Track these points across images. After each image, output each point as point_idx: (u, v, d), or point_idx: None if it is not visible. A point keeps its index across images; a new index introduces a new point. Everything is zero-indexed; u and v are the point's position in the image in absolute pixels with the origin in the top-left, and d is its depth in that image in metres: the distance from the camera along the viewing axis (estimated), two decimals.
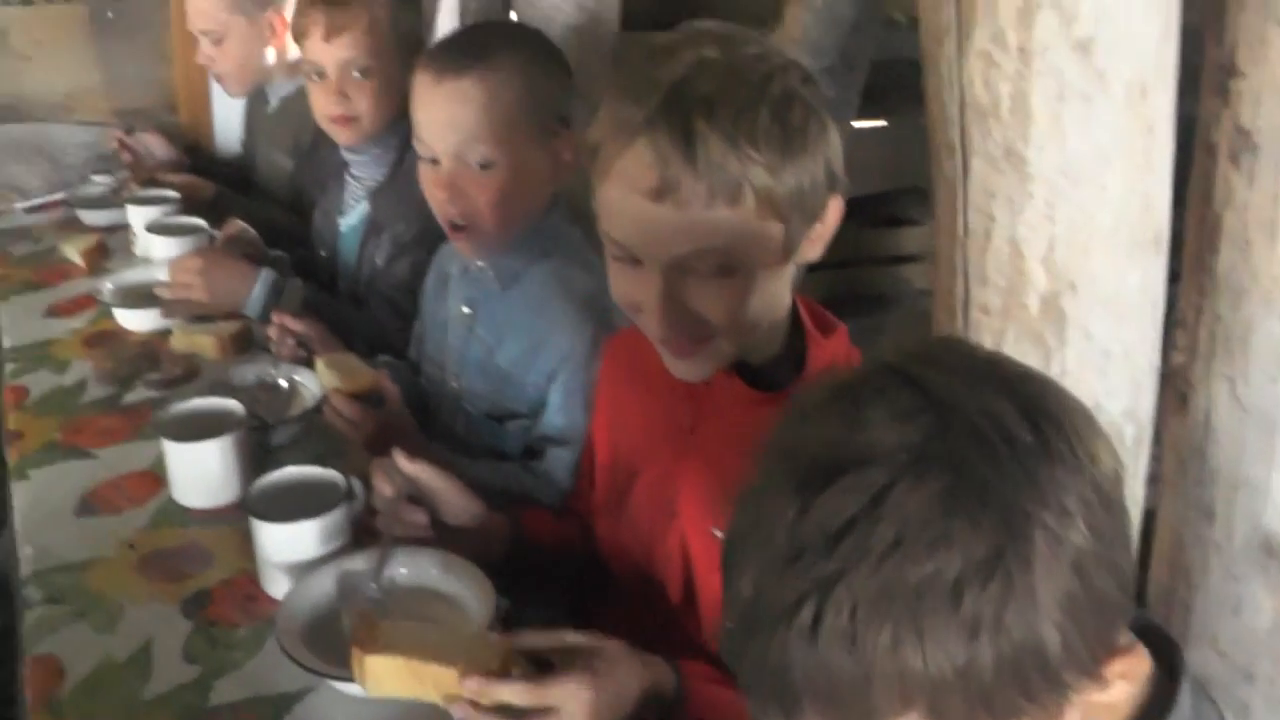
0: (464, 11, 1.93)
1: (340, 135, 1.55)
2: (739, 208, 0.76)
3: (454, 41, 1.19)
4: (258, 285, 1.45)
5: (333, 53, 1.50)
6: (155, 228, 1.68)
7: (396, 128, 1.55)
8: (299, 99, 1.73)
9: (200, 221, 1.68)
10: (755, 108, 0.76)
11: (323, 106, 1.54)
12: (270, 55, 1.88)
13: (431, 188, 1.14)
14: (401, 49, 1.51)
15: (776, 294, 0.84)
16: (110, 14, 2.18)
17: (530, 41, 1.18)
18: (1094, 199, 0.78)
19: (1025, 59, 0.76)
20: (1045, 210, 0.78)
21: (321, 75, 1.52)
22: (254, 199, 1.91)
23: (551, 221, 1.18)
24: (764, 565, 0.48)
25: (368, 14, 1.50)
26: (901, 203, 2.66)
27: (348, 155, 1.64)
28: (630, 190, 0.78)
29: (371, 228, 1.62)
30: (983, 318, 0.83)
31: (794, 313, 0.88)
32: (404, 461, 0.96)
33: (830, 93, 0.84)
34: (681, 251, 0.78)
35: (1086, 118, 0.76)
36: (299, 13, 1.56)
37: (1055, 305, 0.81)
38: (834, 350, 0.88)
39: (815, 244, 0.83)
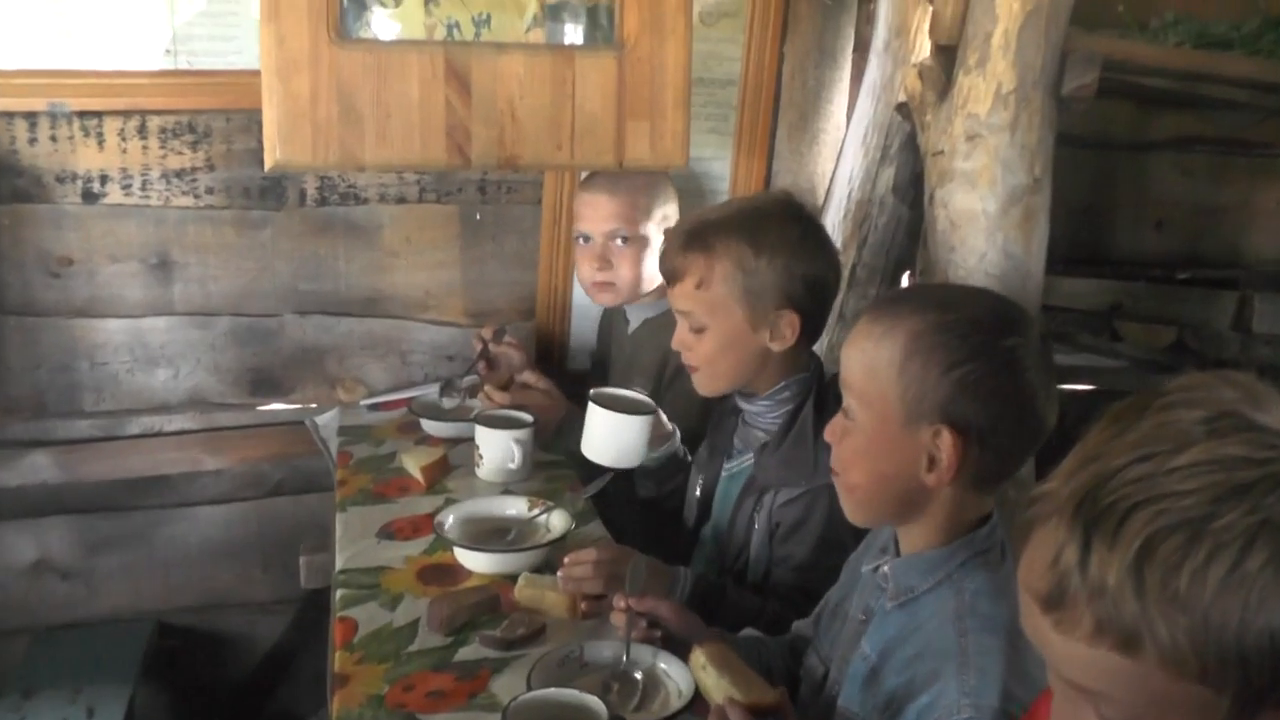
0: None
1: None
2: (1134, 659, 0.67)
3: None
4: (676, 586, 1.47)
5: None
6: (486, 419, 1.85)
7: (793, 380, 1.59)
8: (661, 322, 1.93)
9: (527, 418, 1.86)
10: (1212, 552, 0.65)
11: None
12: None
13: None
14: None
15: None
16: (479, 215, 2.29)
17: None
18: None
19: None
20: None
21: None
22: None
23: (982, 534, 1.16)
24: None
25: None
26: None
27: (741, 401, 1.66)
28: (1025, 581, 0.74)
29: (751, 484, 1.61)
30: None
31: None
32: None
33: None
34: (1066, 675, 0.72)
35: None
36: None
37: None
38: None
39: None
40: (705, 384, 1.62)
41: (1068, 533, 0.70)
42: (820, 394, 1.58)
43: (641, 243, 1.99)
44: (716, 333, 1.56)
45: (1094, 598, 0.68)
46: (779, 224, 1.56)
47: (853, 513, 1.21)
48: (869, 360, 1.16)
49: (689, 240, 1.56)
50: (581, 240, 2.03)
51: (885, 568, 1.20)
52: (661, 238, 1.90)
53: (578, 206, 2.06)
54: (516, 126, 1.86)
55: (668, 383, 1.93)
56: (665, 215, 2.02)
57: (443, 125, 1.81)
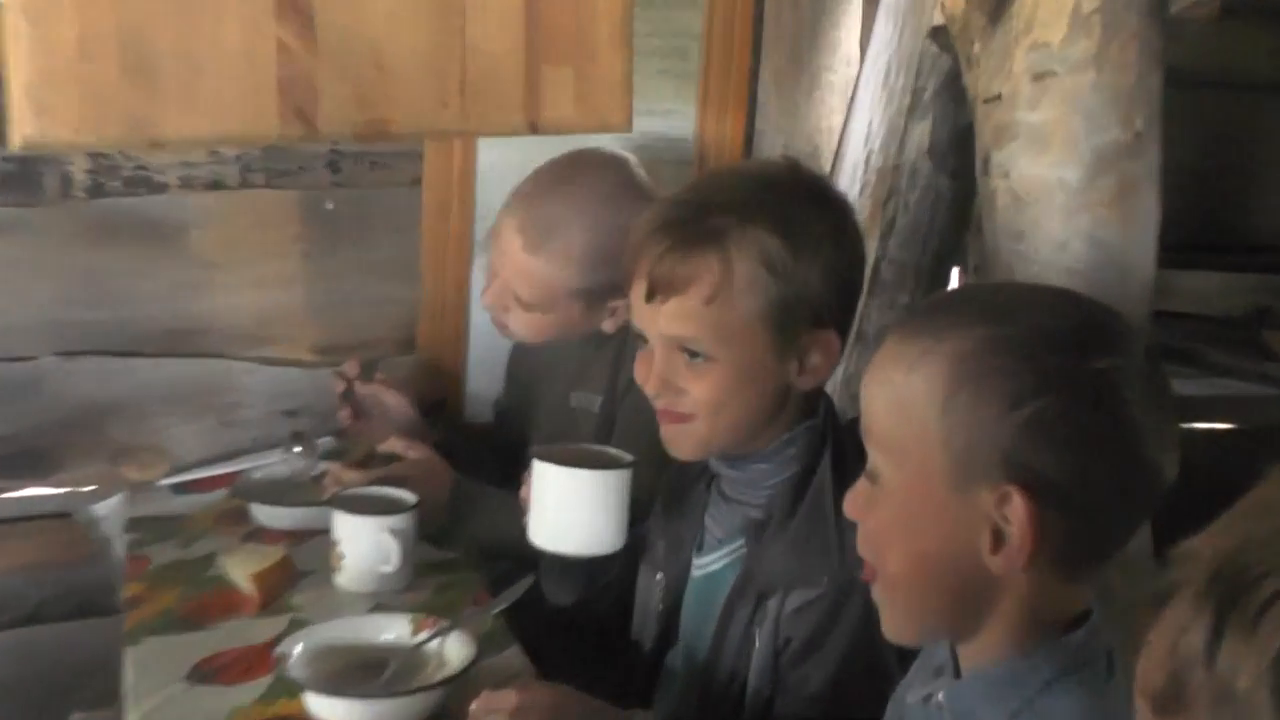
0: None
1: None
2: None
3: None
4: None
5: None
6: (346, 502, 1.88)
7: (800, 431, 1.60)
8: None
9: (408, 497, 1.89)
10: None
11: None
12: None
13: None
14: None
15: None
16: (331, 204, 2.33)
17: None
18: None
19: None
20: None
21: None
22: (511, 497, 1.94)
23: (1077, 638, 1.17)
24: None
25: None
26: None
27: (720, 467, 1.65)
28: (1139, 677, 0.77)
29: (745, 584, 1.59)
30: None
31: None
32: None
33: None
34: None
35: None
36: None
37: None
38: None
39: None
40: (696, 443, 1.62)
41: (1195, 610, 0.72)
42: (837, 446, 1.60)
43: (557, 309, 2.07)
44: (729, 367, 1.57)
45: (1218, 703, 0.70)
46: (805, 204, 1.58)
47: (893, 624, 1.22)
48: (900, 397, 1.17)
49: (692, 233, 1.56)
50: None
51: (940, 695, 1.20)
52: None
53: (494, 233, 2.11)
54: (384, 78, 1.87)
55: (622, 392, 1.98)
56: (614, 289, 2.06)
57: (274, 80, 1.81)
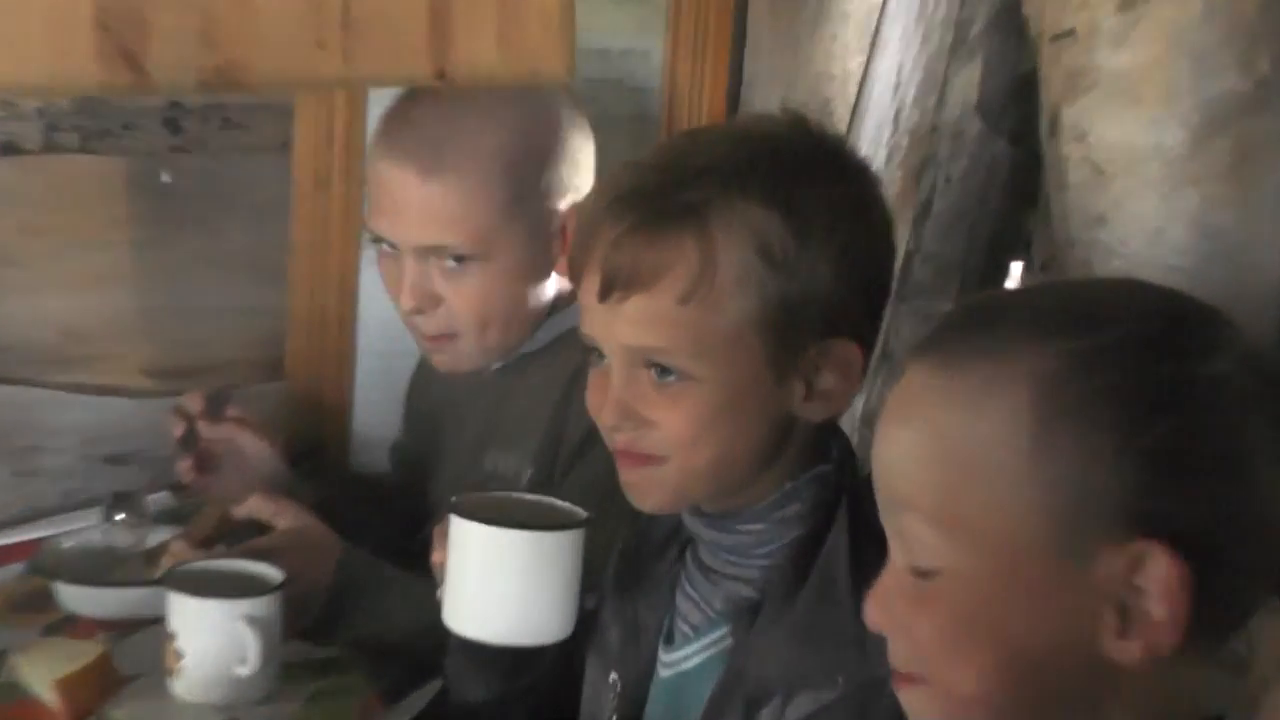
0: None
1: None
2: None
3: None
4: None
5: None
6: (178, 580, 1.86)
7: (806, 480, 1.61)
8: (548, 357, 2.10)
9: (272, 574, 1.89)
10: None
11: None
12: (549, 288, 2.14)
13: None
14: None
15: None
16: (167, 178, 2.35)
17: None
18: None
19: None
20: None
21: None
22: (420, 580, 1.96)
23: None
24: None
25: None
26: None
27: (698, 527, 1.65)
28: None
29: (732, 687, 1.58)
30: None
31: None
32: None
33: None
34: None
35: None
36: None
37: None
38: None
39: None
40: (666, 492, 1.62)
41: None
42: (855, 501, 1.59)
43: (498, 261, 2.08)
44: (711, 389, 1.56)
45: None
46: (815, 173, 1.58)
47: None
48: (956, 450, 1.16)
49: (662, 208, 1.56)
50: (386, 246, 2.13)
51: None
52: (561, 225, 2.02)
53: (370, 179, 2.14)
54: (239, 8, 1.88)
55: (565, 464, 2.01)
56: (562, 184, 2.11)
57: (90, 15, 1.81)
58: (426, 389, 2.32)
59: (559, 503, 1.69)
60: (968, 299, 2.07)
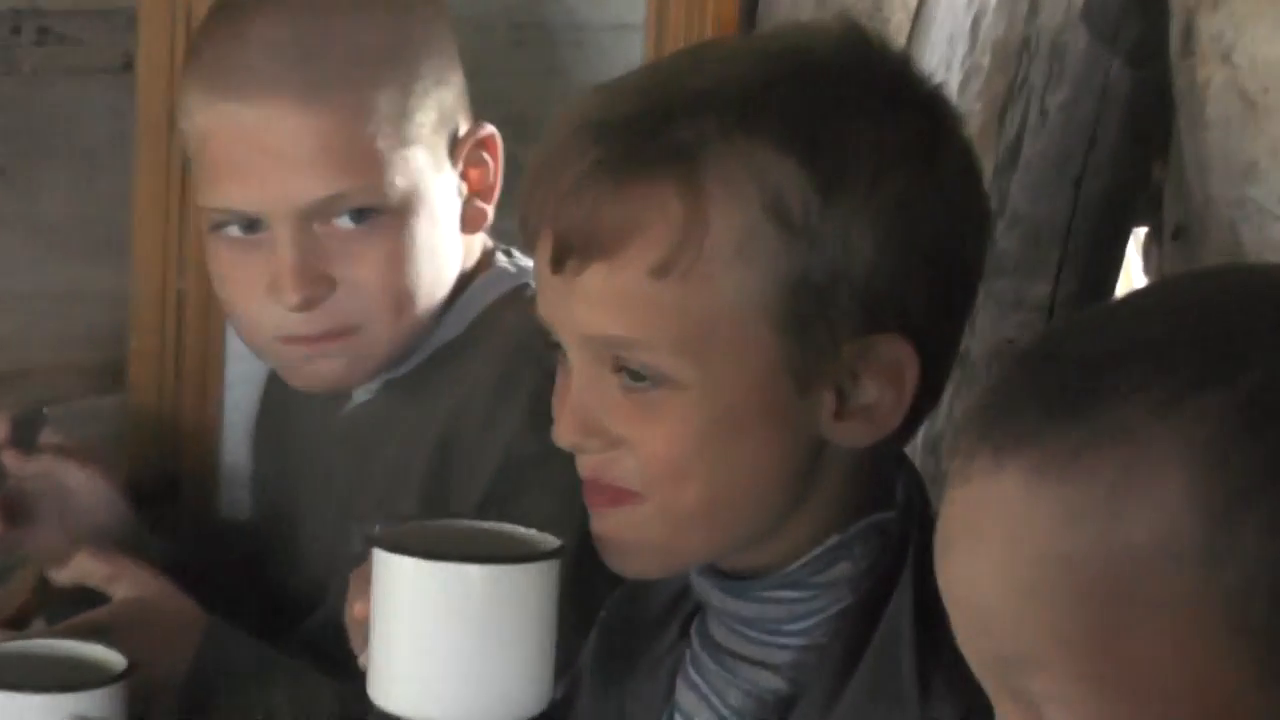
0: None
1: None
2: None
3: None
4: None
5: None
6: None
7: (860, 529, 1.62)
8: (419, 380, 2.16)
9: (111, 659, 1.87)
10: None
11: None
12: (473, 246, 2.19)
13: None
14: None
15: None
16: None
17: None
18: None
19: None
20: None
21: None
22: (311, 668, 2.06)
23: None
24: None
25: None
26: None
27: (709, 591, 1.67)
28: None
29: None
30: None
31: None
32: None
33: None
34: None
35: None
36: None
37: None
38: None
39: None
40: (651, 548, 1.62)
41: None
42: (923, 561, 1.56)
43: (416, 202, 2.09)
44: (704, 397, 1.55)
45: None
46: (861, 103, 1.56)
47: None
48: (1078, 575, 1.13)
49: (637, 145, 1.53)
50: (233, 230, 2.10)
51: None
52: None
53: (203, 142, 2.13)
54: None
55: (505, 492, 2.01)
56: (462, 93, 2.15)
57: None
58: (283, 406, 2.35)
59: (520, 529, 1.67)
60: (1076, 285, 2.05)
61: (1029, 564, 1.13)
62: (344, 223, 2.03)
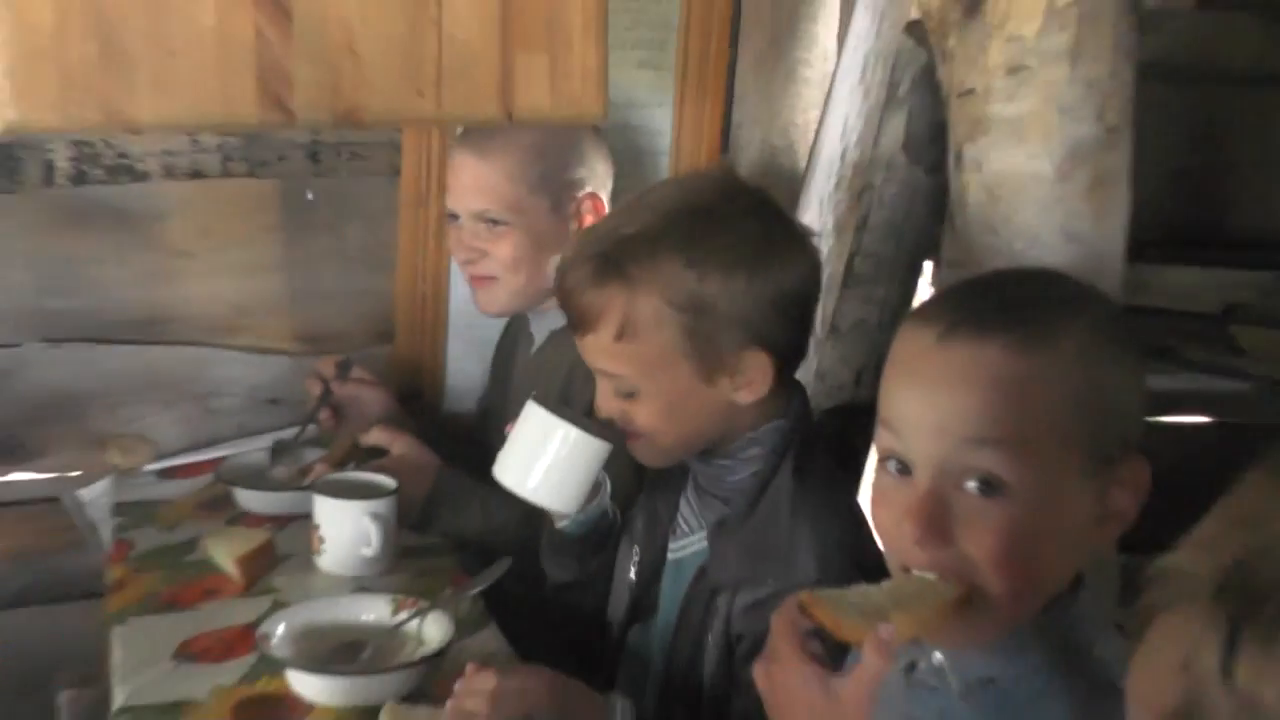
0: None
1: None
2: None
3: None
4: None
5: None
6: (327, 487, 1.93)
7: (765, 431, 1.62)
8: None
9: (389, 482, 1.94)
10: None
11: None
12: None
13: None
14: None
15: None
16: (310, 194, 2.35)
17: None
18: None
19: None
20: None
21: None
22: (494, 493, 1.97)
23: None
24: None
25: None
26: None
27: (691, 460, 1.69)
28: (1139, 694, 0.76)
29: (701, 578, 1.64)
30: None
31: None
32: None
33: None
34: None
35: None
36: None
37: None
38: None
39: None
40: (651, 456, 1.68)
41: (1205, 626, 0.69)
42: (804, 447, 1.62)
43: (525, 224, 2.08)
44: (656, 396, 1.60)
45: (1241, 716, 0.68)
46: (727, 221, 1.58)
47: (997, 628, 1.15)
48: (1021, 388, 1.12)
49: (597, 268, 1.58)
50: (451, 219, 2.16)
51: (936, 658, 1.19)
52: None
53: (448, 168, 2.18)
54: (358, 65, 1.88)
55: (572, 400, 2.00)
56: (580, 178, 2.11)
57: (252, 65, 1.82)
58: (510, 352, 2.30)
59: (609, 429, 1.66)
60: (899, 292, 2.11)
61: (997, 396, 1.10)
62: (490, 224, 2.08)
